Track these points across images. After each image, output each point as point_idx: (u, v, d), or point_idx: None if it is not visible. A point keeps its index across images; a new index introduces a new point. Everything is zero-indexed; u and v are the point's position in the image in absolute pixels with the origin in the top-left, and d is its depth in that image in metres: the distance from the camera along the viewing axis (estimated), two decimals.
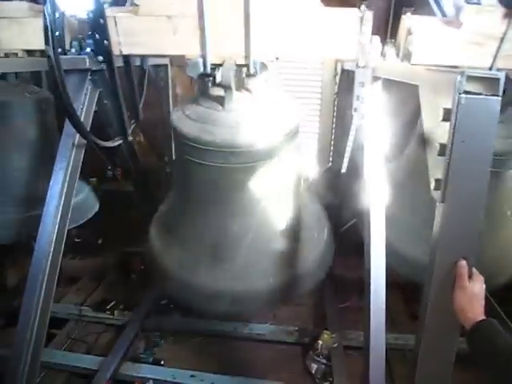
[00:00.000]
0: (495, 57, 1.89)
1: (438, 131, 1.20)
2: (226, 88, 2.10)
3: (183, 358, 2.96)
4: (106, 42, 2.09)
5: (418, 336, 1.38)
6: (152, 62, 2.90)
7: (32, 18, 2.28)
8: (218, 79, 2.09)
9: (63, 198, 2.13)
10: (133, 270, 3.87)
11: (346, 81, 3.10)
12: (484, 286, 1.28)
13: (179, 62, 3.08)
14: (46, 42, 1.69)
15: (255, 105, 2.23)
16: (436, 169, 1.21)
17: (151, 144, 3.58)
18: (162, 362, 2.87)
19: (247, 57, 2.03)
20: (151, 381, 2.63)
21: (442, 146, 1.17)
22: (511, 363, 1.12)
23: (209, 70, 2.08)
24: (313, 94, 4.16)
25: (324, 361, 2.84)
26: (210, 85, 2.20)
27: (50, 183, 2.14)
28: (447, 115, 1.14)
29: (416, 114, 3.53)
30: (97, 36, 2.08)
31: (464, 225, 1.22)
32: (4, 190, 2.73)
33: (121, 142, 2.64)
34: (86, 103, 2.20)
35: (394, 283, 1.97)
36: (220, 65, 2.06)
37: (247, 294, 2.39)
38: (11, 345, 2.06)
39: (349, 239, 3.23)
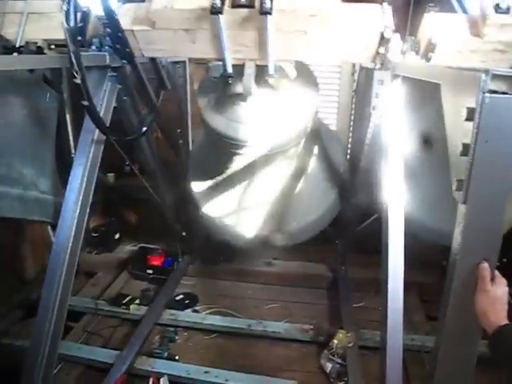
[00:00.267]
0: None
1: (461, 131, 1.18)
2: (247, 90, 2.10)
3: (197, 354, 2.98)
4: (127, 49, 2.13)
5: (437, 338, 1.36)
6: (171, 58, 2.91)
7: (61, 13, 2.32)
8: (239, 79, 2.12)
9: (82, 193, 2.16)
10: (149, 264, 3.90)
11: (364, 78, 3.07)
12: (507, 289, 1.26)
13: (198, 58, 3.09)
14: (70, 42, 1.71)
15: (275, 100, 2.33)
16: (458, 169, 1.18)
17: (168, 140, 3.60)
18: (177, 358, 2.89)
19: (266, 59, 2.04)
20: (166, 376, 2.64)
21: (465, 146, 1.14)
22: None
23: (230, 71, 2.10)
24: (331, 91, 4.13)
25: (339, 360, 2.82)
26: (231, 84, 2.22)
27: (70, 178, 2.17)
28: (470, 115, 1.12)
29: (435, 112, 3.53)
30: (118, 46, 2.11)
31: (486, 226, 1.20)
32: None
33: (140, 137, 2.65)
34: (105, 99, 2.22)
35: (410, 283, 1.95)
36: (240, 65, 2.08)
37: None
38: (30, 336, 2.10)
39: (365, 237, 3.21)
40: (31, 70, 2.71)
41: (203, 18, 1.92)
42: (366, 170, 2.95)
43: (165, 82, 2.65)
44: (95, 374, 2.80)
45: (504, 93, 1.08)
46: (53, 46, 2.39)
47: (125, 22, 2.06)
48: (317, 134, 2.94)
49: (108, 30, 2.06)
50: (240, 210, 2.98)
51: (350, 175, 3.15)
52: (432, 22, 1.95)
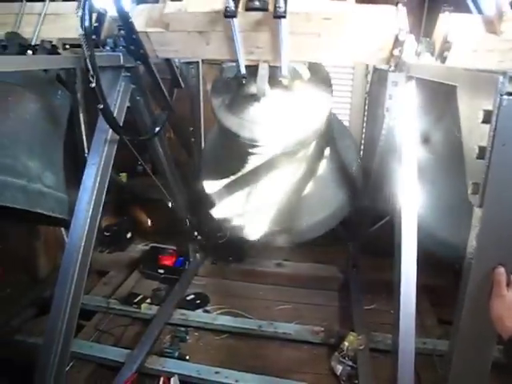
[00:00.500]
0: None
1: (477, 133, 1.16)
2: (260, 90, 2.11)
3: (208, 355, 2.98)
4: (141, 51, 2.15)
5: (451, 343, 1.35)
6: (184, 59, 2.92)
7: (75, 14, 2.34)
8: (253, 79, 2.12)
9: (95, 193, 2.17)
10: (161, 264, 3.92)
11: (377, 79, 3.06)
12: None
13: (211, 59, 3.10)
14: (85, 42, 1.73)
15: (289, 100, 2.32)
16: (474, 172, 1.17)
17: (181, 140, 3.61)
18: (188, 358, 2.89)
19: (280, 60, 2.04)
20: (176, 376, 2.65)
21: (481, 149, 1.13)
22: None
23: (243, 72, 2.11)
24: (343, 92, 4.12)
25: (350, 363, 2.81)
26: (244, 84, 2.23)
27: (83, 177, 2.19)
28: (487, 117, 1.10)
29: (448, 114, 3.50)
30: (132, 47, 2.12)
31: (502, 230, 1.18)
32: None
33: (153, 137, 2.67)
34: (119, 99, 2.23)
35: (422, 286, 1.93)
36: (254, 66, 2.08)
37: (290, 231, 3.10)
38: (43, 334, 2.12)
39: (377, 239, 3.19)
40: (45, 70, 2.74)
41: (217, 21, 1.93)
42: (378, 171, 2.94)
43: (178, 80, 2.65)
44: (106, 373, 2.82)
45: None
46: (67, 46, 2.41)
47: (139, 24, 2.07)
48: (330, 134, 2.91)
49: (122, 31, 2.07)
50: (249, 209, 2.98)
51: (362, 177, 3.13)
52: (447, 22, 1.93)
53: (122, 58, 2.16)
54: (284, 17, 1.74)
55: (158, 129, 2.58)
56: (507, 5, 1.79)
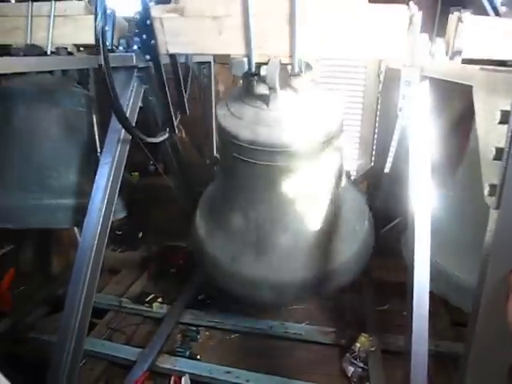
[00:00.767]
0: None
1: (494, 134, 1.15)
2: (271, 87, 2.09)
3: (219, 354, 2.98)
4: (153, 41, 2.15)
5: (466, 346, 1.33)
6: (196, 59, 2.93)
7: (87, 15, 2.37)
8: (263, 77, 2.08)
9: (108, 192, 2.19)
10: (172, 263, 3.93)
11: (390, 79, 3.04)
12: None
13: (222, 59, 3.11)
14: (97, 41, 1.73)
15: (299, 104, 2.25)
16: (491, 173, 1.15)
17: (193, 140, 3.62)
18: (199, 357, 2.90)
19: (292, 56, 2.03)
20: (187, 375, 2.65)
21: (498, 150, 1.11)
22: None
23: (253, 69, 2.09)
24: (355, 92, 4.10)
25: (361, 364, 2.79)
26: (254, 83, 2.22)
27: (96, 177, 2.20)
28: (505, 117, 1.09)
29: (462, 114, 3.47)
30: (144, 36, 2.13)
31: None
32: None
33: (165, 137, 2.68)
34: (131, 99, 2.25)
35: None
36: (264, 63, 2.06)
37: (284, 285, 2.58)
38: (55, 331, 2.14)
39: (389, 240, 3.17)
40: (64, 73, 2.79)
41: (232, 4, 1.96)
42: (390, 172, 2.92)
43: (189, 81, 2.67)
44: (118, 371, 2.84)
45: None
46: (82, 48, 2.45)
47: (154, 12, 2.10)
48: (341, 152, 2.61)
49: (137, 15, 2.09)
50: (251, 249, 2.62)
51: (375, 177, 3.11)
52: (459, 16, 1.92)
53: (134, 58, 2.18)
54: None
55: (170, 129, 2.59)
56: None
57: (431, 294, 1.84)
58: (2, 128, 2.69)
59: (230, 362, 2.84)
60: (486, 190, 1.17)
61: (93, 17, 1.73)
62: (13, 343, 3.00)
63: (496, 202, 1.15)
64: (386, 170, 2.94)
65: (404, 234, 2.52)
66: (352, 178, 3.77)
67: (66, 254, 3.72)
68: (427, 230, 1.89)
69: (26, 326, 3.17)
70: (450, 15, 1.99)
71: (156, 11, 2.10)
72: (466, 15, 1.96)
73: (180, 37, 2.14)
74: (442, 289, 2.19)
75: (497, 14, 2.20)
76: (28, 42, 2.57)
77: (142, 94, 2.33)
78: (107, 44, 1.98)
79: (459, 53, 2.03)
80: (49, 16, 2.52)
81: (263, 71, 2.05)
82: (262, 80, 2.11)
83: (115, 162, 2.21)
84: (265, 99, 2.25)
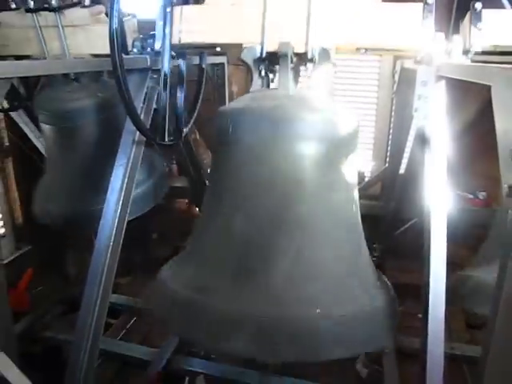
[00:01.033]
0: None
1: None
2: (283, 72, 2.04)
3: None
4: (167, 29, 2.14)
5: (484, 349, 1.31)
6: (210, 60, 2.93)
7: (95, 24, 2.41)
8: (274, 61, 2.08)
9: (123, 193, 2.20)
10: None
11: (405, 79, 3.01)
12: None
13: (236, 61, 3.12)
14: (111, 44, 1.75)
15: (313, 95, 2.13)
16: (509, 174, 1.14)
17: (206, 141, 3.63)
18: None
19: (306, 44, 2.02)
20: (202, 375, 2.66)
21: None
22: None
23: (264, 54, 2.08)
24: (369, 92, 4.08)
25: (375, 366, 2.78)
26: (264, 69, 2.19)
27: (111, 178, 2.22)
28: None
29: (477, 114, 3.43)
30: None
31: None
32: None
33: (179, 139, 2.68)
34: (146, 101, 2.26)
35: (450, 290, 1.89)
36: (277, 53, 2.04)
37: (283, 329, 1.60)
38: (71, 330, 2.16)
39: (404, 241, 3.15)
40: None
41: None
42: (405, 172, 2.90)
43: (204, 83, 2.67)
44: (133, 371, 2.86)
45: None
46: None
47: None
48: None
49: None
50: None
51: (389, 178, 3.09)
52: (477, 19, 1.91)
53: (149, 60, 2.19)
54: None
55: (184, 131, 2.59)
56: None
57: (447, 296, 1.82)
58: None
59: (244, 363, 2.84)
60: (505, 192, 1.16)
61: (102, 26, 1.74)
62: (30, 342, 3.04)
63: None
64: (401, 171, 2.91)
65: None
66: (366, 179, 3.76)
67: (82, 255, 3.76)
68: (443, 231, 1.87)
69: (44, 325, 3.21)
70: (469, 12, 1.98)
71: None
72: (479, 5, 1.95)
73: (195, 25, 2.17)
74: None
75: None
76: (46, 53, 2.63)
77: (156, 96, 2.34)
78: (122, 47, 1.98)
79: (475, 49, 2.02)
80: (56, 26, 2.57)
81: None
82: (272, 65, 2.10)
83: (130, 164, 2.22)
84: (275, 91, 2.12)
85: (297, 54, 2.06)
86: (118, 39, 1.77)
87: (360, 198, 2.01)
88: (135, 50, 2.28)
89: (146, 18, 2.28)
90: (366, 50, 2.16)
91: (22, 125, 3.58)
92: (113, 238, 2.16)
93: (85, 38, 2.51)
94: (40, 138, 3.61)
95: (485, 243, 2.32)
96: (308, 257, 1.71)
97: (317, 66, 2.09)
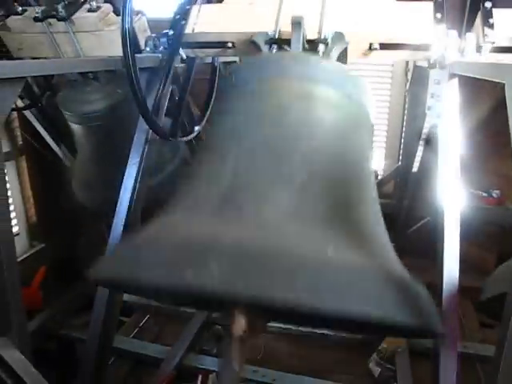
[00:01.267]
0: None
1: None
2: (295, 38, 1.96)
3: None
4: (183, 21, 2.18)
5: (498, 349, 1.30)
6: (222, 59, 2.93)
7: (106, 29, 2.43)
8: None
9: (136, 192, 2.21)
10: None
11: (418, 77, 2.99)
12: None
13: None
14: (124, 43, 1.76)
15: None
16: None
17: None
18: None
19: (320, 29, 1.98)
20: (214, 373, 2.67)
21: None
22: None
23: (277, 35, 2.04)
24: (382, 90, 4.05)
25: (388, 365, 2.76)
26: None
27: (124, 177, 2.23)
28: None
29: (490, 111, 3.39)
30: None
31: None
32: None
33: (192, 137, 2.70)
34: (158, 100, 2.26)
35: (463, 288, 1.87)
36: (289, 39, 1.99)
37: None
38: (84, 328, 2.18)
39: (417, 240, 3.13)
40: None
41: None
42: (418, 171, 2.88)
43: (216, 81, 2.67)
44: (146, 369, 2.88)
45: None
46: None
47: None
48: None
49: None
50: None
51: (402, 177, 3.07)
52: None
53: (161, 58, 2.20)
54: None
55: (197, 129, 2.60)
56: None
57: (460, 294, 1.81)
58: None
59: (256, 361, 2.85)
60: None
61: (114, 30, 1.75)
62: (44, 340, 3.07)
63: None
64: (414, 170, 2.89)
65: None
66: (379, 177, 3.74)
67: (95, 253, 3.79)
68: (457, 229, 1.85)
69: (57, 323, 3.24)
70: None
71: None
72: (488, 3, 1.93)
73: (208, 17, 2.18)
74: None
75: None
76: (60, 55, 2.67)
77: (168, 95, 2.35)
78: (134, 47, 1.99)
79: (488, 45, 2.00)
80: (67, 32, 2.58)
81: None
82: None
83: (143, 163, 2.24)
84: None
85: (309, 42, 1.98)
86: (130, 38, 1.79)
87: None
88: (148, 48, 2.29)
89: (156, 17, 2.27)
90: (379, 46, 2.13)
91: (35, 124, 3.61)
92: None
93: (97, 42, 2.53)
94: (53, 136, 3.66)
95: None
96: (310, 193, 1.38)
97: (330, 48, 2.00)
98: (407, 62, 3.67)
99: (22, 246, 3.86)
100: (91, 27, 2.52)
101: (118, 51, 1.79)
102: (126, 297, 3.12)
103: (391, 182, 3.75)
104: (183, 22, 2.10)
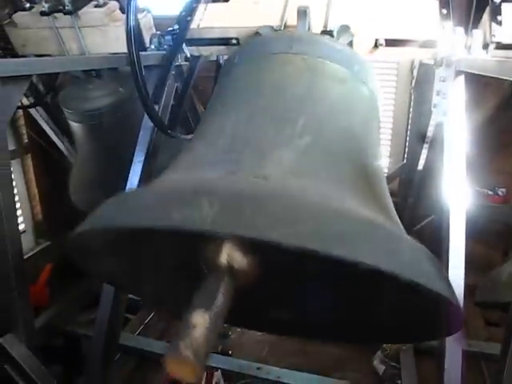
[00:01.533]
0: None
1: None
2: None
3: (250, 350, 2.99)
4: (189, 18, 2.17)
5: (504, 347, 1.30)
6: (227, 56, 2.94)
7: (111, 25, 2.43)
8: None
9: None
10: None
11: (424, 75, 2.98)
12: None
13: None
14: (128, 41, 1.76)
15: None
16: None
17: None
18: (230, 353, 2.92)
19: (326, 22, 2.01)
20: (219, 370, 2.67)
21: None
22: None
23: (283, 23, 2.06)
24: (387, 88, 4.03)
25: (392, 363, 2.76)
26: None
27: (129, 175, 2.24)
28: None
29: (496, 109, 3.37)
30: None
31: None
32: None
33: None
34: (163, 97, 2.27)
35: (468, 287, 1.87)
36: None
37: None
38: (90, 325, 2.19)
39: (422, 238, 3.12)
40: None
41: None
42: (424, 169, 2.87)
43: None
44: (151, 365, 2.89)
45: None
46: None
47: None
48: None
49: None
50: None
51: (407, 175, 3.06)
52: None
53: (165, 56, 2.20)
54: None
55: None
56: None
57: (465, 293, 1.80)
58: None
59: (261, 359, 2.85)
60: None
61: (120, 26, 1.75)
62: (51, 336, 3.09)
63: None
64: (420, 167, 2.88)
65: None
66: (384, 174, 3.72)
67: None
68: (462, 227, 1.85)
69: (63, 319, 3.25)
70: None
71: None
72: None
73: (214, 14, 2.19)
74: None
75: None
76: (65, 52, 2.66)
77: (173, 92, 2.35)
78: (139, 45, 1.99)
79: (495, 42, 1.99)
80: (73, 27, 2.58)
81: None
82: None
83: (148, 161, 2.24)
84: None
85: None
86: (134, 36, 1.79)
87: None
88: (153, 46, 2.29)
89: (161, 14, 2.27)
90: (385, 43, 2.12)
91: (40, 122, 3.63)
92: None
93: (102, 38, 2.53)
94: (58, 134, 3.67)
95: None
96: (316, 156, 1.32)
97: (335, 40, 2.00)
98: (413, 59, 3.65)
99: (28, 244, 3.87)
100: (97, 22, 2.52)
101: (123, 48, 1.80)
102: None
103: (396, 180, 3.74)
104: (188, 19, 2.09)
